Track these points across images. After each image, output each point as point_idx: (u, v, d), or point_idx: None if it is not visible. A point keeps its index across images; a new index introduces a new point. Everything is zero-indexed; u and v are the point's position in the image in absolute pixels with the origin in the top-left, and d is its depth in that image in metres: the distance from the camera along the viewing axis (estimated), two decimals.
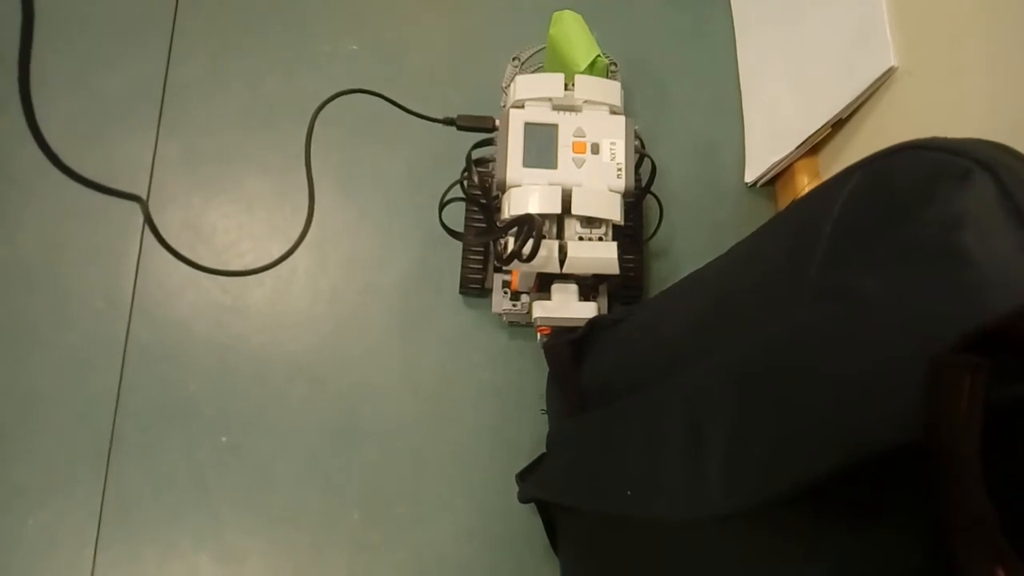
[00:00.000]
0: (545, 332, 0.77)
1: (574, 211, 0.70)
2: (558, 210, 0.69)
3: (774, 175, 0.91)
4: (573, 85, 0.72)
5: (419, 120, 0.70)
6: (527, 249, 0.67)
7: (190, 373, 0.83)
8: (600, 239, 0.71)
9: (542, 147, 0.71)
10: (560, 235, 0.72)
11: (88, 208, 0.87)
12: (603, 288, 0.81)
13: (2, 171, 0.87)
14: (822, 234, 0.40)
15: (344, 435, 0.82)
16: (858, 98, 0.77)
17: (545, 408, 0.82)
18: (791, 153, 0.86)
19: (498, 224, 0.72)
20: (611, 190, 0.71)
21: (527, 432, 0.82)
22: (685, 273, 0.58)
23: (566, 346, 0.71)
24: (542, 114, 0.71)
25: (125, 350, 0.83)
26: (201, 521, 0.78)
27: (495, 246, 0.73)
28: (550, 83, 0.72)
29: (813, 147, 0.86)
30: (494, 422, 0.83)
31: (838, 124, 0.82)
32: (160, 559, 0.77)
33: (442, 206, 0.81)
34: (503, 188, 0.71)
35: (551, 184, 0.70)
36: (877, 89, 0.76)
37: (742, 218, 0.90)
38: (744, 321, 0.45)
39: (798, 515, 0.39)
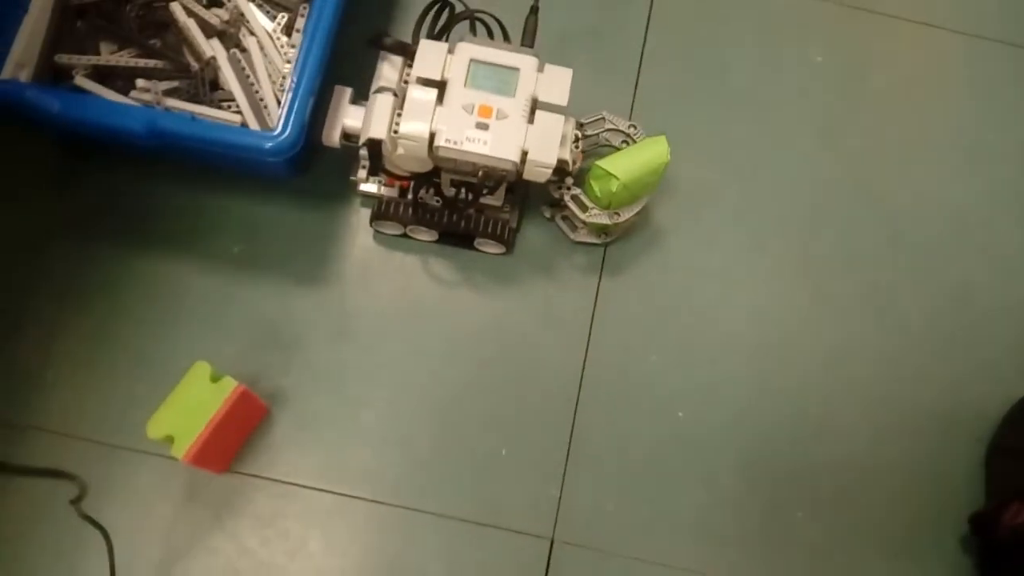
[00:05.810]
0: (392, 183, 0.83)
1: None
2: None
3: None
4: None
5: None
6: None
7: (653, 344, 0.88)
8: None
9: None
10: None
11: None
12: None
13: None
14: None
15: (789, 433, 0.86)
16: None
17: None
18: None
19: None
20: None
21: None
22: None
23: None
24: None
25: (592, 317, 0.88)
26: (655, 488, 0.83)
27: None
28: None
29: None
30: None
31: None
32: (617, 505, 0.82)
33: None
34: None
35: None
36: None
37: None
38: None
39: None
